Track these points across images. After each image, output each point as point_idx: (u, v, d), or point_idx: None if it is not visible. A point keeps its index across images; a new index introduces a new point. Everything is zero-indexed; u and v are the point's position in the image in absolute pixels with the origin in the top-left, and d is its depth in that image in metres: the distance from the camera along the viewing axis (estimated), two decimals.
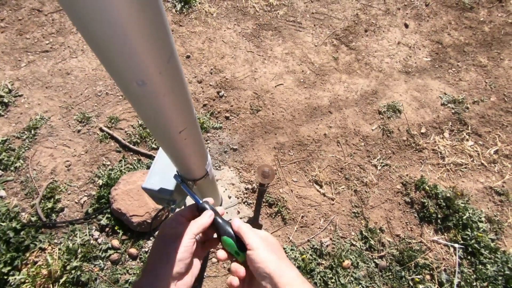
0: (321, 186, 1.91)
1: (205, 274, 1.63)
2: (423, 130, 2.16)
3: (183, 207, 1.17)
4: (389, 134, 2.12)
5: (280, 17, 2.59)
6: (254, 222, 1.79)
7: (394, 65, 2.44)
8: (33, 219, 1.69)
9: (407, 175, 1.98)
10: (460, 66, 2.47)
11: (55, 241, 1.67)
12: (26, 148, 1.90)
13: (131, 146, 1.94)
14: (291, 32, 2.52)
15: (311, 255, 1.70)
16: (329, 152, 2.03)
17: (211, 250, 1.62)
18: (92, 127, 2.01)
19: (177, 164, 0.88)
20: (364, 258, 1.72)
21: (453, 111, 2.24)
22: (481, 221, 1.83)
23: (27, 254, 1.60)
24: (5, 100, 2.02)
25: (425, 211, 1.85)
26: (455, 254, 1.75)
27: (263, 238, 0.59)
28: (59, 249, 1.62)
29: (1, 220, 1.63)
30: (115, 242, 1.66)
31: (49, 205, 1.72)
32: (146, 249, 1.67)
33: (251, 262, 0.55)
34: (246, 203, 1.83)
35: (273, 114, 2.14)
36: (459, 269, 1.71)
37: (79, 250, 1.62)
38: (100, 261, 1.62)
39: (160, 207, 1.64)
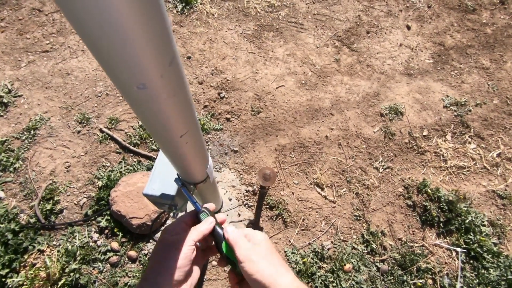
0: (322, 189, 1.89)
1: (205, 277, 1.62)
2: (425, 133, 2.14)
3: (183, 212, 1.15)
4: (391, 137, 2.10)
5: (282, 18, 2.58)
6: (254, 224, 1.77)
7: (396, 67, 2.43)
8: (32, 220, 1.68)
9: (409, 178, 1.97)
10: (462, 68, 2.46)
11: (54, 243, 1.65)
12: (25, 149, 1.89)
13: (131, 147, 1.93)
14: (292, 33, 2.51)
15: (312, 258, 1.68)
16: (331, 155, 2.01)
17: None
18: (92, 128, 2.00)
19: (177, 167, 0.87)
20: (365, 262, 1.70)
21: (455, 113, 2.23)
22: (484, 225, 1.82)
23: (26, 256, 1.59)
24: (5, 100, 2.01)
25: (427, 215, 1.83)
26: (458, 258, 1.73)
27: (255, 245, 0.58)
28: (58, 251, 1.60)
29: (0, 221, 1.62)
30: (115, 245, 1.64)
31: (48, 206, 1.70)
32: (146, 252, 1.66)
33: (245, 274, 0.55)
34: (246, 205, 1.82)
35: (274, 115, 2.12)
36: (462, 274, 1.70)
37: (78, 252, 1.60)
38: (99, 263, 1.61)
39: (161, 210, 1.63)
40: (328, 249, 1.73)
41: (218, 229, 0.64)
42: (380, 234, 1.77)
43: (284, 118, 2.12)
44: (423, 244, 1.78)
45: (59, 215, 1.73)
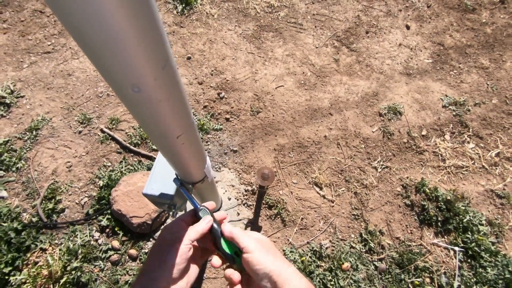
0: (321, 188, 1.91)
1: (205, 275, 1.64)
2: (424, 132, 2.15)
3: (183, 211, 1.17)
4: (389, 136, 2.11)
5: (281, 18, 2.59)
6: (253, 224, 1.79)
7: (395, 66, 2.44)
8: (34, 219, 1.71)
9: (407, 177, 1.98)
10: (461, 68, 2.46)
11: (56, 241, 1.68)
12: (27, 149, 1.92)
13: (131, 147, 1.95)
14: (292, 33, 2.52)
15: (310, 257, 1.70)
16: (329, 154, 2.03)
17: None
18: (93, 128, 2.02)
19: (175, 167, 0.89)
20: (363, 261, 1.72)
21: (454, 113, 2.23)
22: (482, 224, 1.82)
23: (28, 255, 1.61)
24: (7, 101, 2.04)
25: (425, 214, 1.84)
26: (455, 257, 1.74)
27: (257, 240, 0.60)
28: (60, 249, 1.63)
29: (3, 220, 1.65)
30: (115, 243, 1.67)
31: (50, 205, 1.73)
32: (146, 250, 1.68)
33: (248, 264, 0.56)
34: (246, 204, 1.84)
35: (273, 115, 2.14)
36: (459, 272, 1.71)
37: (80, 251, 1.63)
38: (100, 262, 1.63)
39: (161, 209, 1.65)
40: (327, 248, 1.74)
41: (216, 227, 0.65)
42: (378, 233, 1.79)
43: (283, 118, 2.14)
44: (421, 243, 1.79)
45: (61, 214, 1.76)
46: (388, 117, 2.18)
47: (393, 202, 1.91)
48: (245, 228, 1.77)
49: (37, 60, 2.26)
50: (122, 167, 1.88)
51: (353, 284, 1.64)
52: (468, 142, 2.13)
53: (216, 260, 0.62)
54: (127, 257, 1.66)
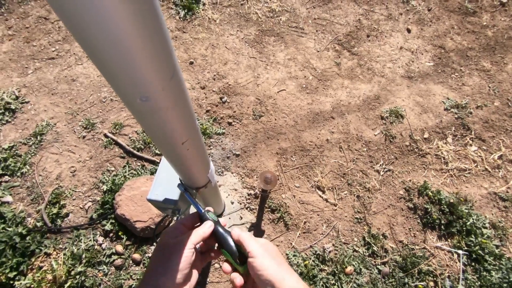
0: (323, 192, 1.91)
1: (208, 279, 1.64)
2: (426, 135, 2.15)
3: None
4: (391, 139, 2.12)
5: (283, 23, 2.61)
6: (256, 227, 1.79)
7: (397, 70, 2.45)
8: (39, 224, 1.72)
9: (410, 180, 1.98)
10: (463, 71, 2.47)
11: (60, 246, 1.69)
12: (32, 154, 1.94)
13: (135, 152, 1.96)
14: (293, 38, 2.54)
15: (313, 261, 1.70)
16: (332, 158, 2.03)
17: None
18: (97, 133, 2.04)
19: (179, 173, 0.90)
20: (366, 264, 1.71)
21: (456, 116, 2.24)
22: (485, 227, 1.82)
23: (33, 259, 1.62)
24: (12, 106, 2.06)
25: (428, 217, 1.84)
26: (459, 261, 1.74)
27: (263, 246, 0.60)
28: (64, 254, 1.64)
29: (8, 225, 1.66)
30: (119, 248, 1.67)
31: (54, 210, 1.74)
32: (150, 255, 1.69)
33: (253, 269, 0.56)
34: (248, 208, 1.84)
35: (275, 119, 2.15)
36: (463, 276, 1.70)
37: (84, 255, 1.63)
38: (104, 266, 1.64)
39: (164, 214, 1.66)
40: (330, 252, 1.74)
41: (221, 230, 0.66)
42: (381, 237, 1.79)
43: (285, 122, 2.15)
44: (425, 247, 1.78)
45: (65, 219, 1.77)
46: (390, 120, 2.19)
47: (396, 205, 1.91)
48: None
49: (41, 66, 2.29)
50: (125, 172, 1.89)
51: None
52: (471, 145, 2.13)
53: (226, 266, 0.63)
54: (130, 262, 1.67)
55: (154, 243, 1.71)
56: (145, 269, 1.65)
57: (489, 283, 1.65)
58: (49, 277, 1.53)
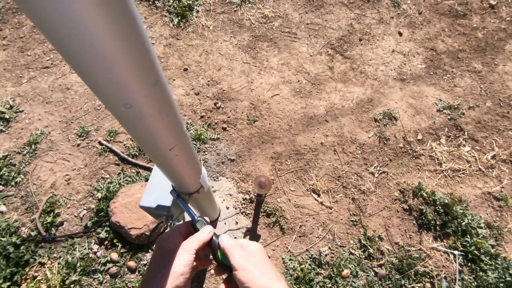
0: (318, 195, 1.92)
1: (204, 285, 1.63)
2: (419, 137, 2.17)
3: (182, 221, 1.18)
4: (385, 142, 2.13)
5: (276, 28, 2.64)
6: (252, 232, 1.79)
7: (389, 72, 2.47)
8: (33, 233, 1.71)
9: (404, 182, 1.98)
10: (454, 73, 2.50)
11: (55, 255, 1.68)
12: (26, 163, 1.93)
13: (129, 159, 1.96)
14: (286, 43, 2.57)
15: (309, 264, 1.70)
16: (326, 161, 2.04)
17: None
18: (92, 141, 2.04)
19: (170, 179, 0.90)
20: (363, 267, 1.71)
21: (449, 117, 2.26)
22: (481, 227, 1.83)
23: (27, 269, 1.61)
24: (7, 116, 2.06)
25: (423, 218, 1.85)
26: (455, 261, 1.74)
27: (246, 256, 0.60)
28: (59, 263, 1.63)
29: (1, 235, 1.65)
30: (114, 255, 1.66)
31: (49, 219, 1.73)
32: (145, 262, 1.68)
33: (238, 282, 0.56)
34: (244, 213, 1.84)
35: (269, 124, 2.16)
36: (460, 277, 1.70)
37: (78, 264, 1.62)
38: (99, 274, 1.63)
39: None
40: (326, 255, 1.74)
41: (214, 238, 0.66)
42: (377, 239, 1.79)
43: (280, 126, 2.16)
44: (420, 248, 1.79)
45: (60, 228, 1.76)
46: (384, 123, 2.20)
47: (391, 207, 1.91)
48: (244, 237, 1.77)
49: (36, 75, 2.29)
50: (120, 179, 1.89)
51: None
52: (464, 145, 2.15)
53: (217, 270, 0.63)
54: (126, 269, 1.66)
55: (150, 250, 1.71)
56: (140, 276, 1.64)
57: (485, 283, 1.66)
58: (44, 287, 1.52)
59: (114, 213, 1.67)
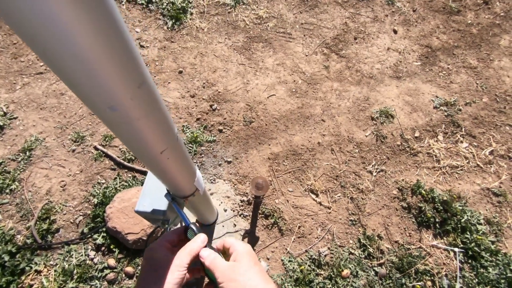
0: (317, 195, 1.90)
1: None
2: (416, 134, 2.16)
3: (178, 225, 1.16)
4: (383, 140, 2.12)
5: (270, 29, 2.63)
6: (250, 234, 1.77)
7: (385, 70, 2.47)
8: (29, 241, 1.69)
9: (403, 180, 1.97)
10: (450, 69, 2.49)
11: (51, 262, 1.66)
12: (21, 170, 1.91)
13: (125, 163, 1.94)
14: (281, 43, 2.56)
15: (309, 265, 1.68)
16: (324, 160, 2.03)
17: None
18: (87, 146, 2.03)
19: (164, 182, 0.89)
20: (363, 267, 1.70)
21: (445, 113, 2.25)
22: (480, 224, 1.82)
23: (23, 277, 1.59)
24: (0, 123, 2.04)
25: (422, 216, 1.83)
26: (456, 259, 1.73)
27: (234, 264, 0.58)
28: (55, 270, 1.61)
29: None
30: (111, 261, 1.64)
31: (45, 226, 1.71)
32: None
33: None
34: (242, 215, 1.82)
35: (266, 124, 2.15)
36: (461, 274, 1.69)
37: (75, 271, 1.60)
38: (96, 281, 1.60)
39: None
40: (325, 256, 1.73)
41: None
42: (376, 238, 1.77)
43: (276, 126, 2.15)
44: (420, 246, 1.77)
45: (56, 235, 1.74)
46: (381, 121, 2.19)
47: (390, 205, 1.90)
48: (242, 239, 1.75)
49: (30, 81, 2.28)
50: (116, 184, 1.87)
51: None
52: (462, 142, 2.14)
53: (207, 286, 0.62)
54: (123, 275, 1.64)
55: None
56: None
57: (486, 280, 1.64)
58: None
59: (110, 219, 1.65)
